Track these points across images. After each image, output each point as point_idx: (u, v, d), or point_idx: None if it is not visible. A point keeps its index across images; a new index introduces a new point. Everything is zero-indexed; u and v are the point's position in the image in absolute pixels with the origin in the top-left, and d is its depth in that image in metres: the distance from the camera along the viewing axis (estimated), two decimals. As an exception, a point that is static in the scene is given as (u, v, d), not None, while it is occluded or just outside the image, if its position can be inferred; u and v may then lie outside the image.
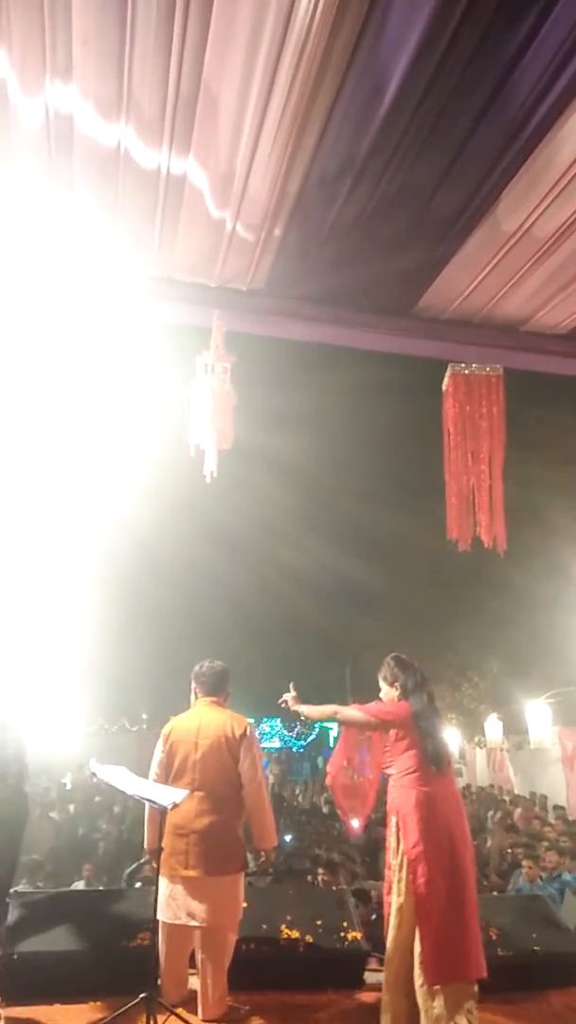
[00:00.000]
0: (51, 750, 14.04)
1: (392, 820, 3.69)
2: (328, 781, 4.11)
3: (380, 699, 3.97)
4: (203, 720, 3.95)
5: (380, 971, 3.70)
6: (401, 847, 3.58)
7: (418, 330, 3.88)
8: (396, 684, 3.91)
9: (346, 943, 4.18)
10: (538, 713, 15.58)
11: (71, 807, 8.55)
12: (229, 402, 3.58)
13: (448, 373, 4.08)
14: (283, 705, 4.16)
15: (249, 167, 2.87)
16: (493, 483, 4.13)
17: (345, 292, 3.59)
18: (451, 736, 17.88)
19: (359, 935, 4.22)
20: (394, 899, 3.57)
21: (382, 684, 3.99)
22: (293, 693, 4.13)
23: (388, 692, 3.95)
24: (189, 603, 12.96)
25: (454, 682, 16.39)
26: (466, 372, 4.07)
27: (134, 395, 3.80)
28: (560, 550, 9.84)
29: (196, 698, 4.10)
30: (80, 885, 6.27)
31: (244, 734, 3.89)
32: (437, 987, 3.34)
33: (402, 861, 3.55)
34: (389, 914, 3.60)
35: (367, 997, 3.77)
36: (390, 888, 3.63)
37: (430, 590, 12.09)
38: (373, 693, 4.09)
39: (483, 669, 15.93)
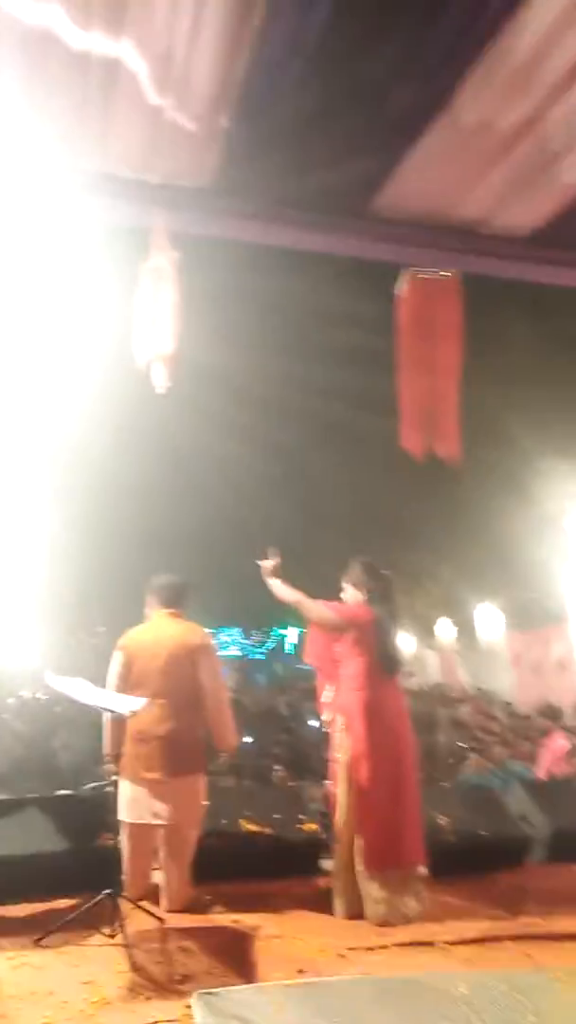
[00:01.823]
0: (8, 663, 14.20)
1: (338, 719, 3.85)
2: (307, 660, 4.26)
3: (341, 600, 4.06)
4: (161, 631, 3.99)
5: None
6: (346, 745, 3.75)
7: (374, 232, 3.74)
8: (362, 589, 3.99)
9: (302, 834, 4.39)
10: (488, 617, 16.19)
11: (32, 719, 8.71)
12: (175, 306, 3.43)
13: (404, 277, 3.97)
14: (261, 568, 4.10)
15: (189, 48, 2.67)
16: (448, 392, 4.07)
17: (297, 192, 3.43)
18: (404, 639, 18.48)
19: (315, 826, 4.43)
20: (340, 792, 3.78)
21: (346, 586, 4.07)
22: (272, 562, 4.07)
23: (353, 595, 4.04)
24: (145, 518, 12.85)
25: (407, 587, 16.75)
26: (422, 275, 3.97)
27: (74, 306, 3.61)
28: (515, 462, 9.95)
29: (153, 610, 4.13)
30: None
31: (203, 644, 3.96)
32: (376, 872, 3.61)
33: (347, 758, 3.74)
34: (336, 805, 3.81)
35: (323, 883, 3.98)
36: (336, 781, 3.81)
37: (384, 501, 12.18)
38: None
39: (436, 576, 16.32)
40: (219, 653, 4.24)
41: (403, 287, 3.97)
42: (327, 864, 4.06)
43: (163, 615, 4.07)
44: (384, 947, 3.34)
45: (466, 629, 17.85)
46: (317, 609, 3.99)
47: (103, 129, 3.07)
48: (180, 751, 3.78)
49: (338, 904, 3.73)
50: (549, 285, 4.30)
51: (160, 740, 3.77)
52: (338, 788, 3.82)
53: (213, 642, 4.13)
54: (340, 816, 3.79)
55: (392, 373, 4.04)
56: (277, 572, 4.07)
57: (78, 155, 3.20)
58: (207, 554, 13.49)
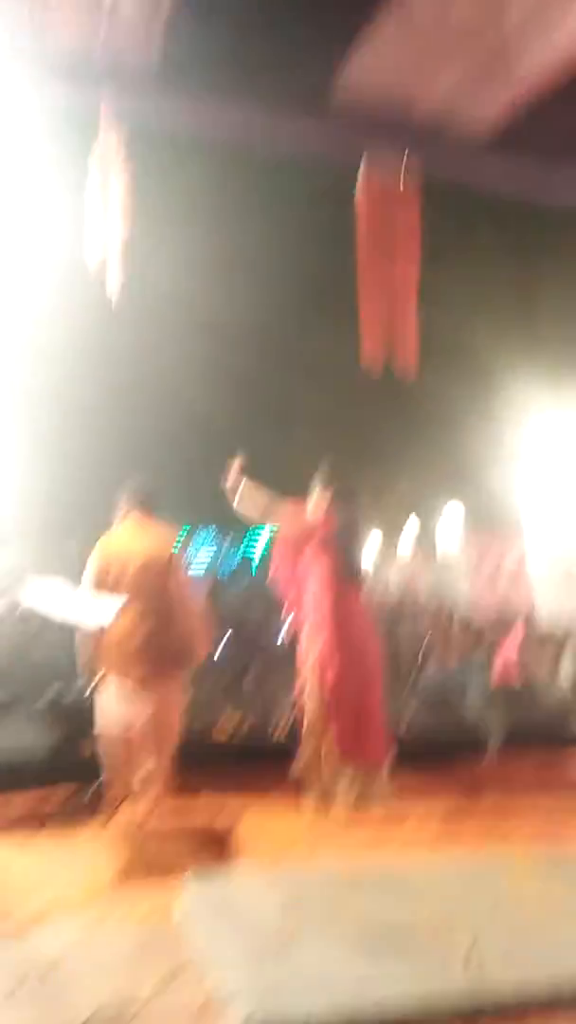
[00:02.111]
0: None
1: (307, 622, 3.99)
2: (270, 577, 4.37)
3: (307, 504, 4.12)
4: (133, 538, 4.00)
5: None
6: (313, 651, 3.90)
7: (329, 128, 3.63)
8: (326, 494, 4.06)
9: (279, 727, 4.62)
10: (448, 524, 16.55)
11: (12, 625, 8.72)
12: (125, 194, 3.28)
13: (361, 180, 3.87)
14: (230, 468, 4.10)
15: None
16: (407, 304, 4.03)
17: (249, 79, 3.27)
18: (365, 551, 18.81)
19: (289, 723, 4.62)
20: (310, 691, 3.95)
21: (314, 491, 4.13)
22: (238, 464, 4.08)
23: (318, 500, 4.10)
24: (113, 421, 12.50)
25: (367, 498, 16.93)
26: (380, 180, 3.87)
27: (22, 198, 3.41)
28: (474, 372, 9.96)
29: (125, 514, 4.14)
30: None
31: (173, 555, 4.00)
32: (345, 765, 3.83)
33: (315, 660, 3.91)
34: (306, 704, 3.98)
35: (297, 776, 4.15)
36: (302, 689, 3.99)
37: (344, 412, 12.15)
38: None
39: (395, 487, 16.49)
40: (193, 559, 4.32)
41: (361, 192, 3.87)
42: (298, 759, 4.24)
43: (135, 519, 4.06)
44: (355, 835, 3.54)
45: (424, 541, 18.21)
46: (283, 514, 4.07)
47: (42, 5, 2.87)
48: (156, 656, 3.86)
49: (310, 796, 3.93)
50: (507, 193, 4.25)
51: (137, 646, 3.83)
52: (308, 688, 3.98)
53: (182, 553, 4.18)
54: (310, 714, 3.97)
55: (350, 285, 4.00)
56: (241, 476, 4.07)
57: (15, 31, 2.99)
58: (177, 458, 13.32)
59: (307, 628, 4.00)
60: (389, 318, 4.00)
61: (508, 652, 7.46)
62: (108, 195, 3.25)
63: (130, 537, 4.02)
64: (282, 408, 12.56)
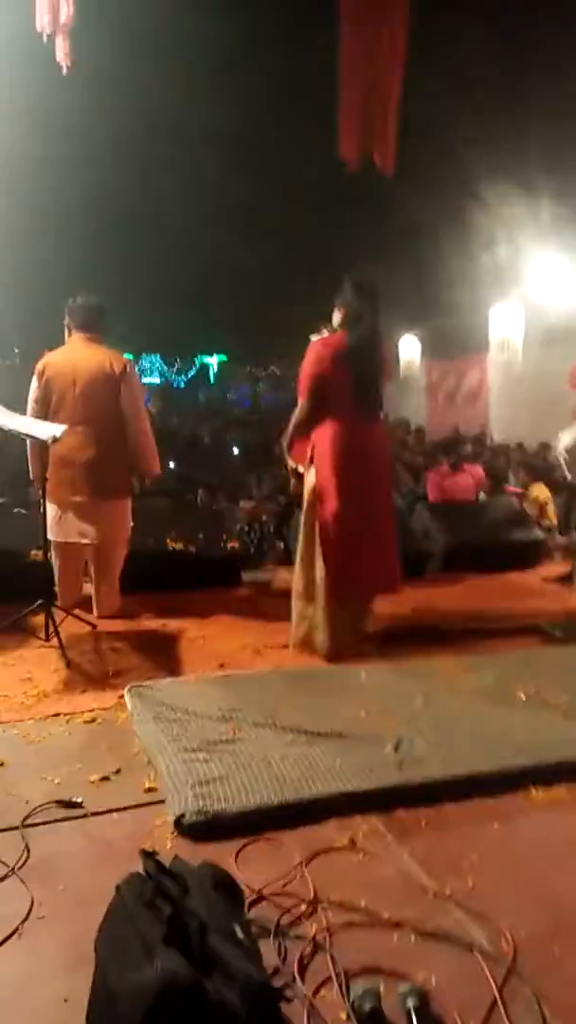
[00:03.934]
0: None
1: (310, 452, 3.68)
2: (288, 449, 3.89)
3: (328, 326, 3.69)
4: (79, 357, 3.88)
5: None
6: (312, 480, 3.63)
7: None
8: (342, 310, 3.63)
9: (225, 550, 4.70)
10: (408, 346, 16.28)
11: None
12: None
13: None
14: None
15: None
16: (390, 89, 3.71)
17: None
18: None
19: (236, 544, 4.73)
20: (302, 523, 3.72)
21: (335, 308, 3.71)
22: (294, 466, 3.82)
23: (336, 317, 3.69)
24: (63, 236, 11.66)
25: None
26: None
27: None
28: (454, 172, 9.23)
29: (70, 334, 3.98)
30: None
31: (124, 371, 3.88)
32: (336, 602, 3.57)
33: (314, 490, 3.62)
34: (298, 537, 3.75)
35: (245, 592, 4.30)
36: (303, 512, 3.74)
37: (310, 224, 11.37)
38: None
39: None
40: (140, 380, 4.19)
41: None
42: (248, 577, 4.34)
43: (81, 339, 3.93)
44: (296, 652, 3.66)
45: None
46: (300, 407, 3.66)
47: None
48: (103, 476, 3.86)
49: (300, 628, 3.69)
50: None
51: (83, 465, 3.83)
52: (302, 520, 3.73)
53: (134, 369, 4.05)
54: (302, 548, 3.70)
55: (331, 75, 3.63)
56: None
57: None
58: (127, 278, 12.63)
59: (310, 454, 3.68)
60: (371, 104, 3.70)
61: (474, 470, 7.53)
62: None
63: (75, 355, 3.90)
64: (247, 217, 11.66)
